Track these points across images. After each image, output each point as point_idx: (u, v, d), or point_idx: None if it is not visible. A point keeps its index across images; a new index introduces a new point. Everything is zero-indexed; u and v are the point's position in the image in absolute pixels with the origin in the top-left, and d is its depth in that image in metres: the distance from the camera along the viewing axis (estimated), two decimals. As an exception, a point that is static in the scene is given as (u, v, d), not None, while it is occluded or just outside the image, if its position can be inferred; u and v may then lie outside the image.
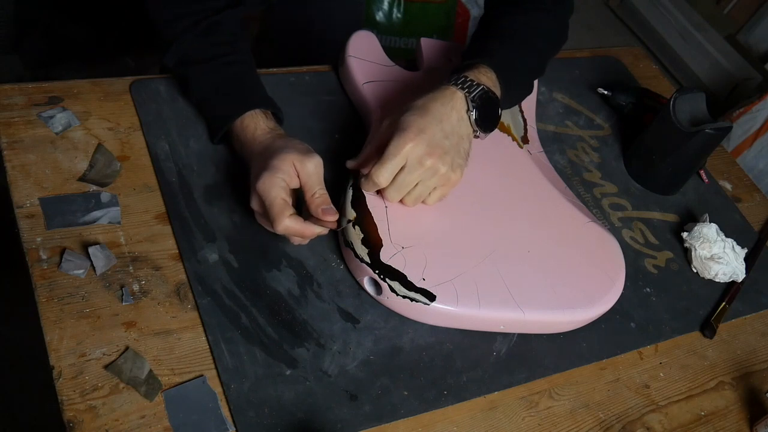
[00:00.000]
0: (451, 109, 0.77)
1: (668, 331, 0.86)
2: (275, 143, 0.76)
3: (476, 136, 0.81)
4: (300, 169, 0.72)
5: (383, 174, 0.74)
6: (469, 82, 0.79)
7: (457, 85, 0.79)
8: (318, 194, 0.73)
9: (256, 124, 0.79)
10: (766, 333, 0.92)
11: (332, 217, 0.73)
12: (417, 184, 0.76)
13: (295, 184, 0.73)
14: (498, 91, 0.82)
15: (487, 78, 0.81)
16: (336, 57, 0.97)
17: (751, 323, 0.92)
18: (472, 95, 0.78)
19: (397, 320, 0.76)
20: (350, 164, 0.80)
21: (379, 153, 0.76)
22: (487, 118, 0.80)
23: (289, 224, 0.70)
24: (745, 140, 1.88)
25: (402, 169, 0.75)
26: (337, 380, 0.70)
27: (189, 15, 0.82)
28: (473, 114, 0.79)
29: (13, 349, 1.28)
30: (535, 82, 1.00)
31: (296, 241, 0.74)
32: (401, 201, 0.78)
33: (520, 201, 0.85)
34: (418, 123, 0.75)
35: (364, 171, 0.77)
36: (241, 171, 0.82)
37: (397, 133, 0.74)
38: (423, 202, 0.79)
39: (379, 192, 0.78)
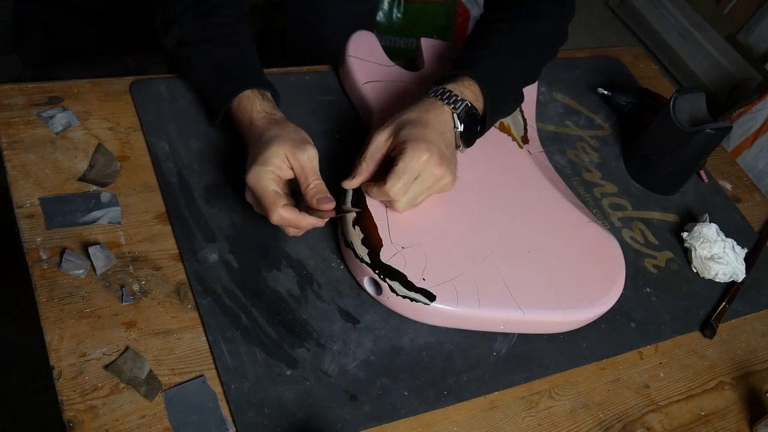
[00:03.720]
0: (444, 122, 0.79)
1: (668, 331, 0.86)
2: (269, 131, 0.75)
3: (458, 150, 0.82)
4: (293, 162, 0.72)
5: (399, 186, 0.74)
6: (454, 97, 0.80)
7: (443, 100, 0.79)
8: (313, 185, 0.72)
9: (252, 106, 0.78)
10: (766, 333, 0.92)
11: (328, 206, 0.72)
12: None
13: (289, 176, 0.73)
14: (480, 105, 0.82)
15: (470, 91, 0.82)
16: (336, 57, 0.97)
17: (751, 323, 0.92)
18: (458, 111, 0.79)
19: (397, 320, 0.76)
20: (348, 184, 0.78)
21: (375, 166, 0.77)
22: (470, 133, 0.82)
23: (283, 214, 0.70)
24: (745, 140, 1.88)
25: (414, 180, 0.75)
26: (337, 380, 0.70)
27: None
28: (459, 129, 0.80)
29: (13, 349, 1.29)
30: (535, 83, 1.00)
31: (291, 232, 0.74)
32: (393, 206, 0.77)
33: (520, 201, 0.85)
34: (426, 135, 0.75)
35: (370, 186, 0.76)
36: (241, 171, 0.82)
37: (410, 145, 0.74)
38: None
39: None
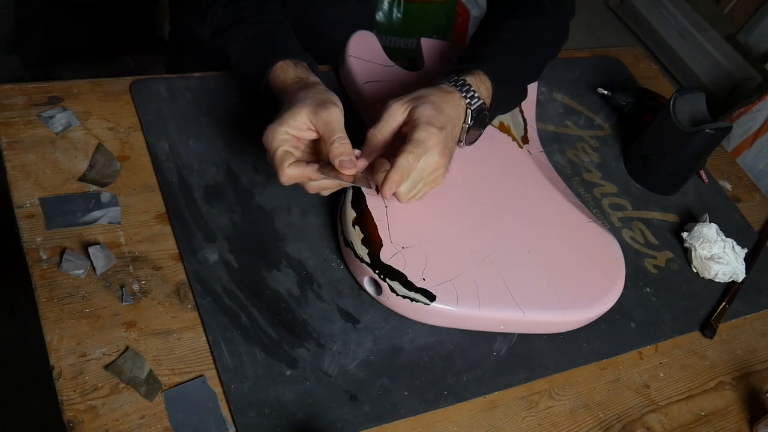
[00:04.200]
0: (458, 116, 0.78)
1: (668, 331, 0.86)
2: (298, 94, 0.73)
3: (459, 146, 0.82)
4: (315, 121, 0.70)
5: (416, 156, 0.71)
6: (472, 93, 0.79)
7: (461, 91, 0.79)
8: (337, 143, 0.69)
9: (285, 75, 0.78)
10: (766, 333, 0.92)
11: (350, 171, 0.69)
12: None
13: (309, 137, 0.72)
14: (489, 102, 0.82)
15: (485, 88, 0.81)
16: (336, 57, 0.97)
17: (751, 323, 0.92)
18: (472, 108, 0.79)
19: (397, 320, 0.76)
20: (361, 159, 0.74)
21: (389, 136, 0.74)
22: (474, 131, 0.82)
23: (291, 173, 0.68)
24: (745, 140, 1.89)
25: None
26: (337, 380, 0.70)
27: None
28: (467, 126, 0.79)
29: (13, 349, 1.29)
30: (535, 82, 1.01)
31: (313, 188, 0.71)
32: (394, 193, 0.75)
33: (520, 201, 0.85)
34: (440, 121, 0.74)
35: (381, 166, 0.72)
36: (241, 171, 0.82)
37: (424, 125, 0.72)
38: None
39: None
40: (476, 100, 0.79)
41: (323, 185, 0.72)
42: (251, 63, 0.81)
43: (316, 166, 0.69)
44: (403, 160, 0.71)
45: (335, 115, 0.70)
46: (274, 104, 0.79)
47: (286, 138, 0.70)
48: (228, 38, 0.83)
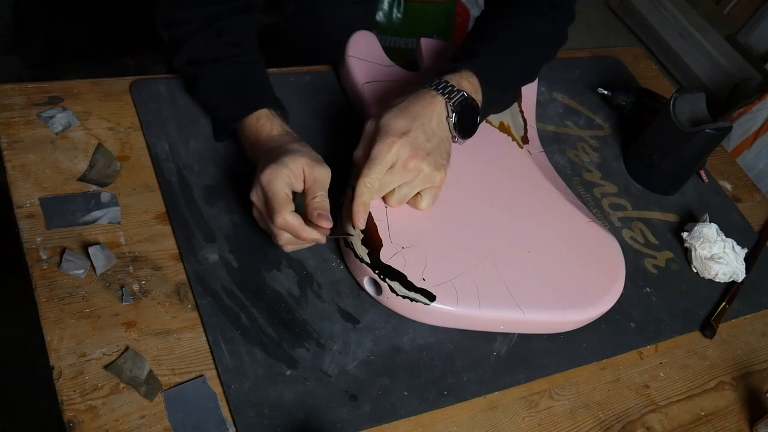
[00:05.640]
0: (432, 112, 0.78)
1: (668, 331, 0.86)
2: (291, 145, 0.76)
3: (454, 141, 0.81)
4: (308, 173, 0.72)
5: (372, 177, 0.74)
6: (450, 88, 0.79)
7: (438, 90, 0.79)
8: (319, 198, 0.72)
9: (272, 123, 0.79)
10: (766, 333, 0.92)
11: (326, 224, 0.71)
12: (401, 185, 0.76)
13: (299, 187, 0.73)
14: (479, 97, 0.82)
15: (468, 83, 0.81)
16: (336, 57, 0.97)
17: (751, 323, 0.92)
18: (452, 101, 0.79)
19: (397, 320, 0.76)
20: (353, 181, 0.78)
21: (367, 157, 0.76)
22: (465, 125, 0.81)
23: (289, 219, 0.69)
24: (745, 140, 1.89)
25: (389, 170, 0.75)
26: (337, 380, 0.70)
27: (197, 19, 0.82)
28: (453, 119, 0.79)
29: (13, 348, 1.29)
30: (535, 83, 1.00)
31: (284, 239, 0.72)
32: (385, 201, 0.78)
33: (520, 201, 0.85)
34: (401, 125, 0.75)
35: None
36: (241, 171, 0.82)
37: (380, 135, 0.74)
38: (416, 206, 0.79)
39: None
40: (456, 93, 0.79)
41: (303, 237, 0.72)
42: (229, 101, 0.82)
43: (311, 228, 0.71)
44: (360, 187, 0.74)
45: (327, 174, 0.74)
46: (230, 139, 0.83)
47: (288, 182, 0.71)
48: (207, 72, 0.83)
